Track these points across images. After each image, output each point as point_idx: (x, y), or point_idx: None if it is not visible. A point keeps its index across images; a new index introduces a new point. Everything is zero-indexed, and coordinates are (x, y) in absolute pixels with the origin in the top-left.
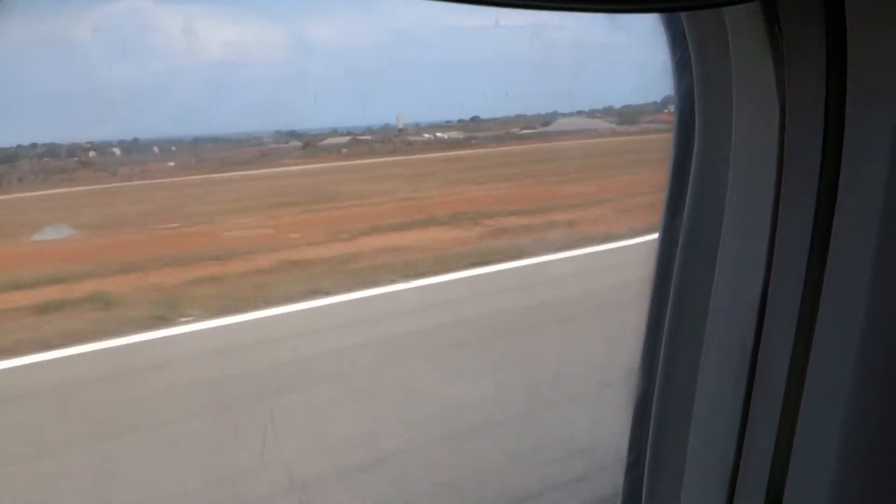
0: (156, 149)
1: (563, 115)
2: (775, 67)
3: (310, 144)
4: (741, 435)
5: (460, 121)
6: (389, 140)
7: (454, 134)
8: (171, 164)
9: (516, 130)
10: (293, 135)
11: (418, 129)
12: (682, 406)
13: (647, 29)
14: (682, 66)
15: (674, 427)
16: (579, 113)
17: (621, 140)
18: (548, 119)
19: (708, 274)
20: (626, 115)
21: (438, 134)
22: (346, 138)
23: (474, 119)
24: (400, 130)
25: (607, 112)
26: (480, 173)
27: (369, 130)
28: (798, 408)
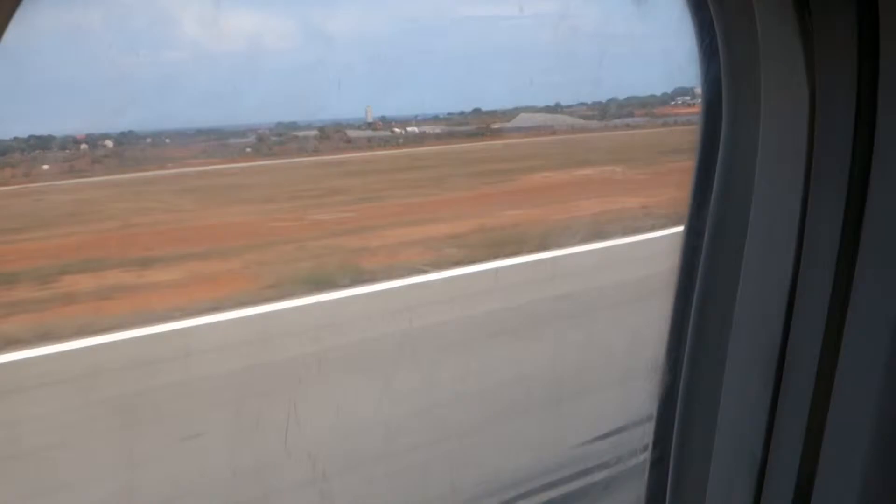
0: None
1: (527, 110)
2: (805, 54)
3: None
4: (769, 432)
5: (448, 115)
6: (328, 137)
7: (430, 129)
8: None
9: (472, 127)
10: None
11: (387, 123)
12: (707, 402)
13: (672, 16)
14: (709, 53)
15: (699, 424)
16: (552, 108)
17: (558, 139)
18: (510, 115)
19: (734, 267)
20: (607, 110)
21: (409, 129)
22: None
23: (461, 113)
24: (369, 124)
25: (590, 107)
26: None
27: (328, 125)
28: (828, 405)
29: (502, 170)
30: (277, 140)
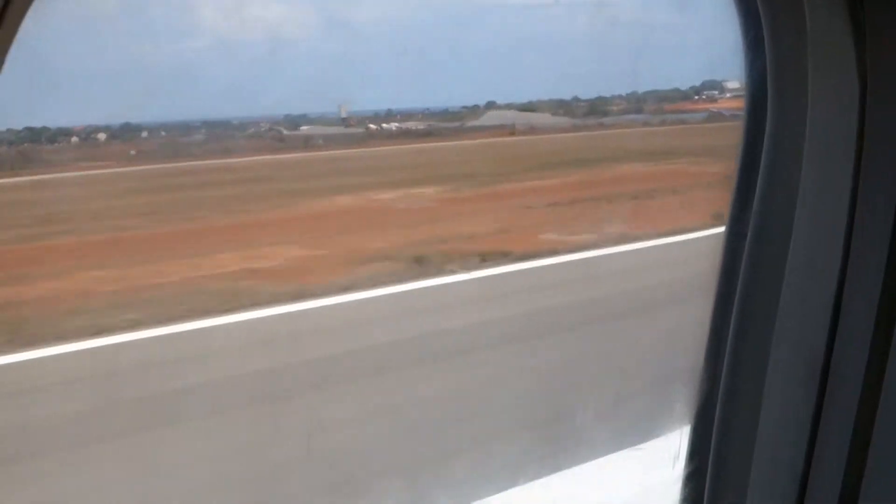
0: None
1: (497, 107)
2: (856, 46)
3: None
4: (811, 443)
5: (426, 111)
6: (259, 135)
7: (414, 125)
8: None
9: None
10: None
11: (366, 118)
12: (747, 412)
13: (714, 7)
14: (754, 45)
15: (739, 433)
16: (532, 103)
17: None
18: (480, 112)
19: (778, 270)
20: (591, 108)
21: (385, 125)
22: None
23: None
24: (343, 120)
25: (568, 103)
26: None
27: (296, 118)
28: (874, 417)
29: (300, 190)
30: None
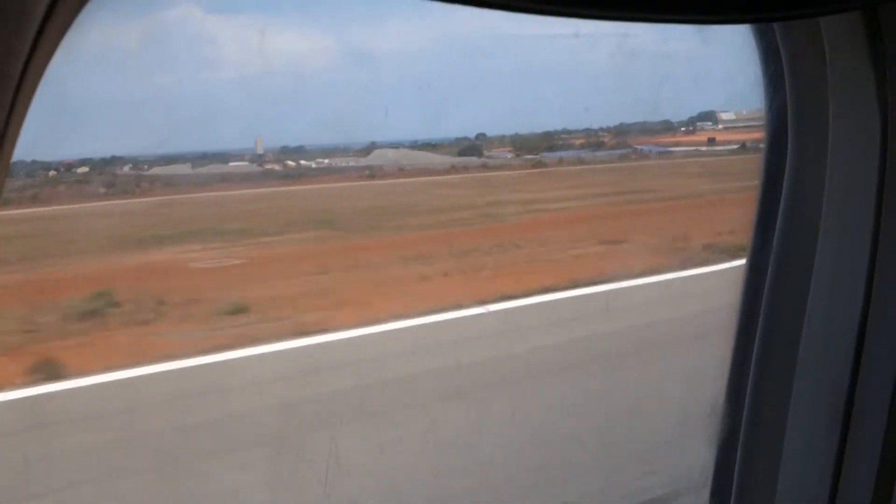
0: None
1: (383, 145)
2: (877, 82)
3: None
4: (835, 482)
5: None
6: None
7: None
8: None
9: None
10: None
11: (277, 155)
12: (770, 449)
13: (736, 41)
14: (775, 80)
15: (762, 468)
16: (415, 144)
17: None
18: (367, 149)
19: (800, 304)
20: (522, 143)
21: (303, 162)
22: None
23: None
24: (259, 157)
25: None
26: None
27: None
28: None
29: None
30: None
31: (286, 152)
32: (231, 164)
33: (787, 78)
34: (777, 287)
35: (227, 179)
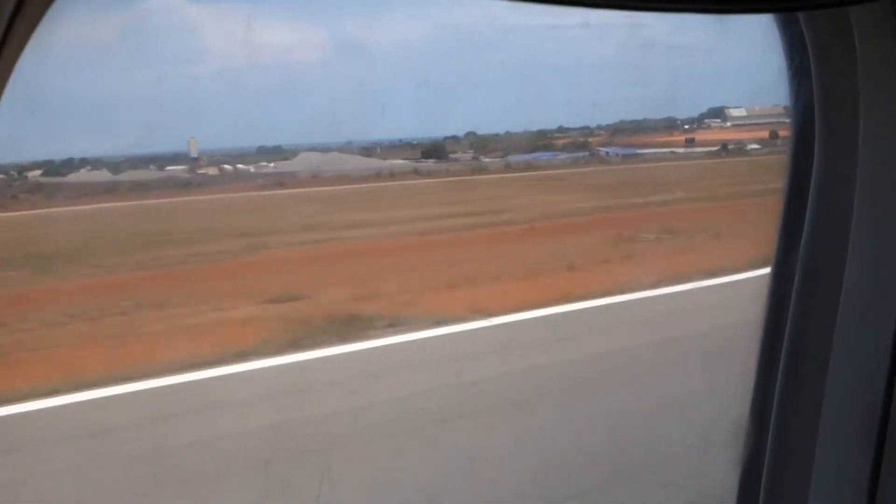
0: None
1: (311, 149)
2: None
3: None
4: (870, 500)
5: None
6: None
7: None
8: None
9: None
10: None
11: (210, 158)
12: (798, 472)
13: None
14: (800, 73)
15: (789, 496)
16: (344, 147)
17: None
18: (289, 154)
19: (829, 315)
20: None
21: (240, 166)
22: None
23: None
24: (194, 160)
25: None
26: None
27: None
28: None
29: None
30: None
31: (227, 155)
32: (168, 168)
33: (813, 71)
34: (805, 296)
35: (112, 190)
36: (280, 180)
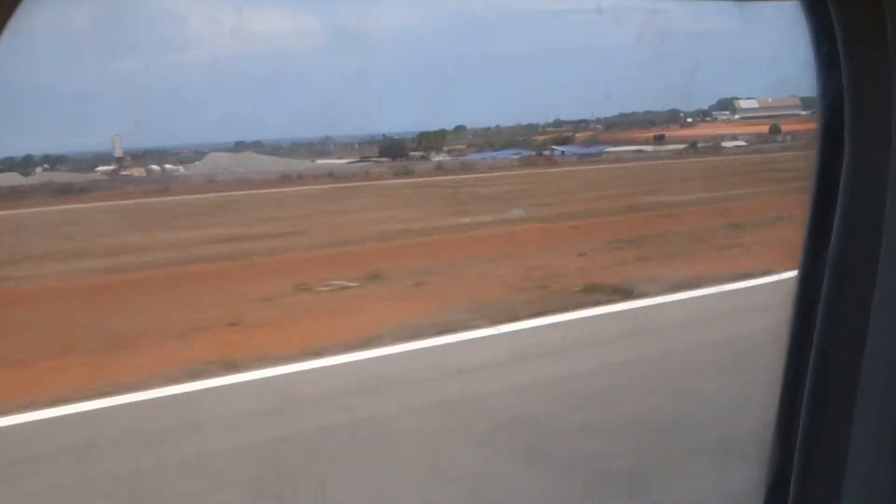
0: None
1: (217, 149)
2: None
3: None
4: None
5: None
6: None
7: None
8: None
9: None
10: None
11: (134, 158)
12: (828, 484)
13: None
14: (828, 63)
15: None
16: (245, 145)
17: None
18: (195, 155)
19: (860, 322)
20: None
21: (168, 166)
22: None
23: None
24: (118, 160)
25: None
26: None
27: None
28: None
29: None
30: None
31: (152, 154)
32: (99, 168)
33: (842, 60)
34: (834, 302)
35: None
36: (165, 186)
